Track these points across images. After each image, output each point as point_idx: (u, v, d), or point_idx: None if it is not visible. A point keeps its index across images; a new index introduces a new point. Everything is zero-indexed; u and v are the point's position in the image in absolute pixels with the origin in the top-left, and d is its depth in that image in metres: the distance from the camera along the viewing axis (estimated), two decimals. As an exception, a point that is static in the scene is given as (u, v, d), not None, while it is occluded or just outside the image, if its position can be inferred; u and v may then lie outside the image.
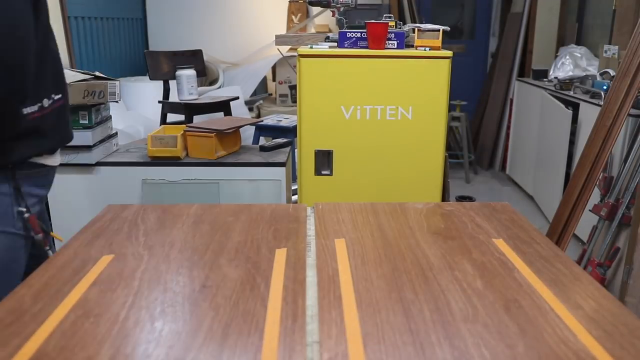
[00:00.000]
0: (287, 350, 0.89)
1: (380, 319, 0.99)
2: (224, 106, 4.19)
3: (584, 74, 4.22)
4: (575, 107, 3.85)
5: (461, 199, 4.32)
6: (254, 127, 3.71)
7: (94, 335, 0.92)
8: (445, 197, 2.68)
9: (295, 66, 2.69)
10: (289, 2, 6.05)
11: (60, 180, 2.44)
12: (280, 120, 3.72)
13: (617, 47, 3.91)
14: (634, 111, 2.89)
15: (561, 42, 5.33)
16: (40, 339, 0.90)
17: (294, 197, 3.13)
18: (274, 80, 5.90)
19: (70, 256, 1.24)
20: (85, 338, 0.91)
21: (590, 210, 2.93)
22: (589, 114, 3.56)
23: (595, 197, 2.90)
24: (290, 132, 3.48)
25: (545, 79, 4.73)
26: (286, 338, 0.92)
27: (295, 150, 2.70)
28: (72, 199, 2.50)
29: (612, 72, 3.79)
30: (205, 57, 4.67)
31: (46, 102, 1.45)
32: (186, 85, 4.01)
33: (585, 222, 2.99)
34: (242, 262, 1.21)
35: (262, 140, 3.76)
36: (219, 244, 1.32)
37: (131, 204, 1.64)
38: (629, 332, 0.96)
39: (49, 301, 1.03)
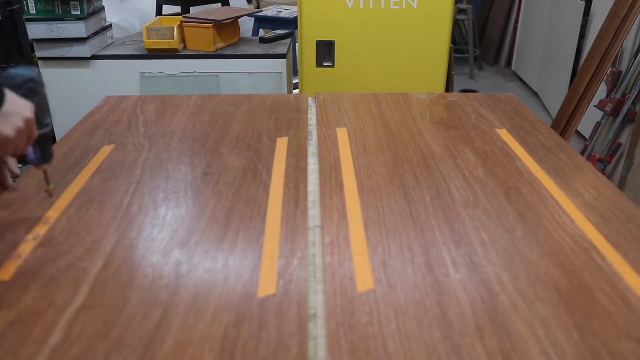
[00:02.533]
0: (290, 233, 0.90)
1: (382, 204, 1.00)
2: (221, -3, 4.01)
3: (601, -38, 3.98)
4: (588, -2, 3.68)
5: (465, 92, 4.26)
6: (253, 19, 3.57)
7: (99, 221, 0.94)
8: (449, 89, 2.63)
9: (295, -49, 2.54)
10: None
11: (56, 75, 2.39)
12: (281, 12, 3.58)
13: None
14: (650, 1, 2.76)
15: None
16: (47, 225, 0.92)
17: (295, 91, 3.09)
18: (273, -31, 5.60)
19: (70, 147, 1.23)
20: (91, 223, 0.93)
21: (595, 106, 2.89)
22: (603, 5, 3.41)
23: (601, 92, 2.84)
24: (290, 24, 3.35)
25: (559, -32, 4.48)
26: (288, 222, 0.94)
27: (296, 42, 2.61)
28: (69, 93, 2.46)
29: (630, -40, 3.58)
30: (200, -56, 4.41)
31: None
32: (181, -26, 3.81)
33: (589, 119, 2.96)
34: (244, 150, 1.21)
35: (262, 33, 3.64)
36: (219, 133, 1.31)
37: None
38: (626, 218, 0.97)
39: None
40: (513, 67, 5.29)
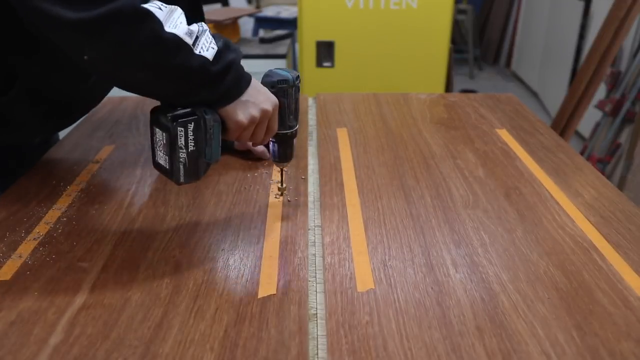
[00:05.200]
0: (290, 234, 0.90)
1: (382, 204, 1.00)
2: (221, -3, 4.01)
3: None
4: (587, -2, 3.68)
5: (465, 92, 4.26)
6: (253, 19, 3.57)
7: (100, 221, 0.94)
8: (449, 89, 2.63)
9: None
10: None
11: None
12: (280, 12, 3.58)
13: None
14: (649, 1, 2.76)
15: None
16: (47, 225, 0.92)
17: (295, 92, 3.08)
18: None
19: (71, 147, 1.23)
20: (91, 223, 0.93)
21: (594, 106, 2.90)
22: (602, 5, 3.41)
23: (600, 92, 2.85)
24: (290, 24, 3.36)
25: (558, -32, 4.48)
26: (288, 222, 0.94)
27: (296, 42, 2.61)
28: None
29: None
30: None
31: None
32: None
33: (588, 119, 2.96)
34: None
35: (262, 33, 3.64)
36: (219, 133, 1.31)
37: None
38: (625, 218, 0.97)
39: (53, 189, 1.03)
40: (512, 67, 5.30)
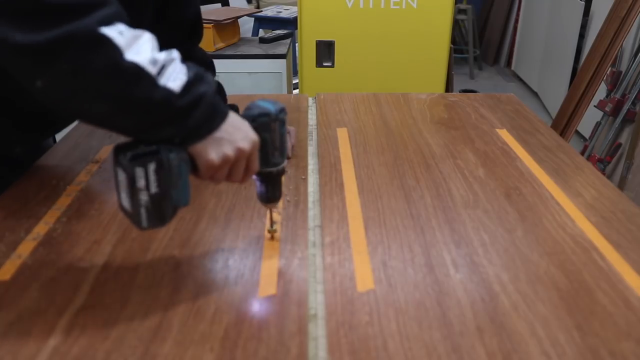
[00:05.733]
0: (290, 234, 0.90)
1: (382, 204, 1.00)
2: (221, -3, 4.01)
3: (600, -38, 3.98)
4: (588, -2, 3.68)
5: (465, 92, 4.25)
6: (253, 18, 3.57)
7: (99, 221, 0.94)
8: (449, 89, 2.63)
9: (295, -49, 2.54)
10: None
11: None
12: (280, 12, 3.58)
13: None
14: (649, 1, 2.76)
15: None
16: (47, 225, 0.92)
17: (295, 91, 3.08)
18: (273, -31, 5.60)
19: (70, 147, 1.23)
20: (91, 223, 0.93)
21: (595, 106, 2.89)
22: (602, 5, 3.41)
23: (601, 92, 2.84)
24: (290, 24, 3.35)
25: (558, -32, 4.48)
26: (288, 222, 0.94)
27: (296, 42, 2.61)
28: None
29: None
30: (199, -57, 4.40)
31: None
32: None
33: (588, 119, 2.96)
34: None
35: (262, 33, 3.64)
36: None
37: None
38: (626, 218, 0.97)
39: (52, 189, 1.03)
40: (513, 67, 5.30)
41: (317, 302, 0.76)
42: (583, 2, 3.69)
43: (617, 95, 2.81)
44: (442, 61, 2.38)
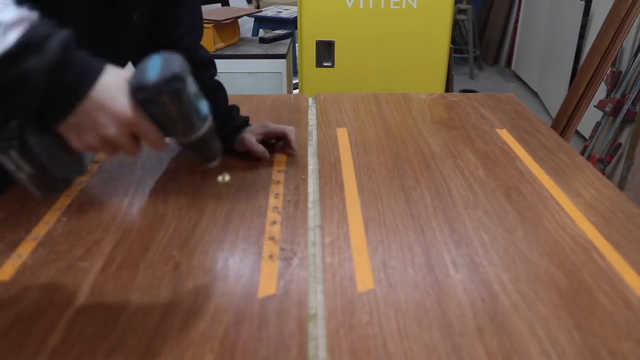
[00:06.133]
0: (290, 234, 0.90)
1: (382, 204, 1.00)
2: (221, -3, 4.01)
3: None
4: (588, -2, 3.68)
5: (465, 92, 4.25)
6: (253, 19, 3.57)
7: (99, 221, 0.94)
8: (449, 89, 2.63)
9: (295, -49, 2.54)
10: None
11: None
12: (280, 12, 3.58)
13: None
14: (649, 1, 2.76)
15: None
16: (47, 225, 0.92)
17: (295, 91, 3.09)
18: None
19: (70, 145, 1.23)
20: (91, 223, 0.93)
21: (595, 106, 2.89)
22: (602, 5, 3.41)
23: (601, 92, 2.84)
24: (290, 24, 3.36)
25: (558, -32, 4.48)
26: (288, 222, 0.94)
27: (296, 42, 2.61)
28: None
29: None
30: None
31: None
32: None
33: (588, 119, 2.96)
34: (243, 151, 1.20)
35: (262, 33, 3.64)
36: (219, 133, 1.31)
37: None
38: (626, 218, 0.97)
39: (52, 188, 1.03)
40: (513, 67, 5.30)
41: (317, 302, 0.76)
42: (583, 2, 3.69)
43: (617, 95, 2.81)
44: (442, 61, 2.39)
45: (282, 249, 0.86)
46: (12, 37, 0.53)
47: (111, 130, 0.62)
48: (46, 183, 0.64)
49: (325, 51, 2.39)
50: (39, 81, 0.56)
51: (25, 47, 0.54)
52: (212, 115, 0.69)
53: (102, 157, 1.17)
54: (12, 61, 0.53)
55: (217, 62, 2.49)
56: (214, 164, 0.74)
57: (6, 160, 0.61)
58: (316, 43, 2.38)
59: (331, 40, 2.38)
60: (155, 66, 0.61)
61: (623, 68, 2.90)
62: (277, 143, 1.19)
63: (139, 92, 0.61)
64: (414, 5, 2.31)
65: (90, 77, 0.60)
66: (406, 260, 0.84)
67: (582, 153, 3.01)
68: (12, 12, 0.53)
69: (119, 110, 0.61)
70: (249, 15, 3.12)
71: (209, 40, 2.43)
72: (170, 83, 0.60)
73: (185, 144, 0.68)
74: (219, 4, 4.04)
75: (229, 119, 1.17)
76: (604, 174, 2.79)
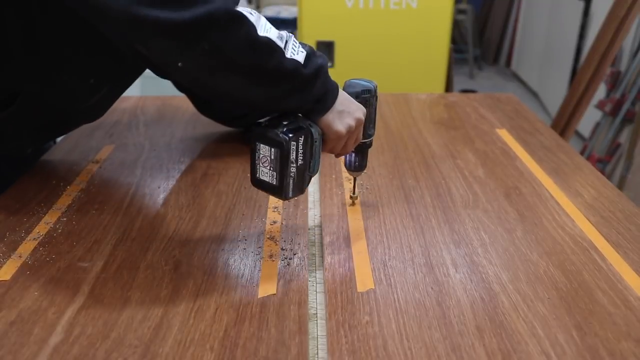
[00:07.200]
0: (290, 233, 0.90)
1: (382, 204, 1.00)
2: (221, -3, 4.01)
3: (600, -38, 3.98)
4: (587, -2, 3.68)
5: (465, 92, 4.25)
6: (252, 19, 3.57)
7: (99, 221, 0.94)
8: (449, 89, 2.63)
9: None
10: None
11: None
12: (280, 12, 3.58)
13: None
14: (649, 1, 2.76)
15: None
16: (47, 225, 0.92)
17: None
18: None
19: (71, 147, 1.23)
20: (91, 223, 0.93)
21: (594, 106, 2.90)
22: (602, 5, 3.41)
23: (600, 92, 2.85)
24: (290, 24, 3.36)
25: (558, -32, 4.48)
26: (288, 222, 0.94)
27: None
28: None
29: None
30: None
31: None
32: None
33: (588, 119, 2.96)
34: (244, 151, 1.20)
35: (262, 33, 3.63)
36: (220, 133, 1.31)
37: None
38: (625, 218, 0.97)
39: (52, 190, 1.04)
40: (512, 67, 5.30)
41: (317, 302, 0.77)
42: (583, 2, 3.69)
43: (617, 95, 2.81)
44: (442, 61, 2.39)
45: (282, 249, 0.86)
46: (305, 47, 0.77)
47: (360, 114, 0.83)
48: (302, 179, 0.79)
49: (325, 51, 2.39)
50: (325, 72, 0.78)
51: (312, 51, 0.78)
52: None
53: (102, 157, 1.17)
54: (310, 59, 0.76)
55: (217, 62, 2.46)
56: (361, 173, 0.96)
57: (291, 151, 0.75)
58: (316, 43, 2.38)
59: (331, 41, 2.38)
60: (364, 81, 0.88)
61: (622, 68, 2.90)
62: None
63: (364, 93, 0.86)
64: (414, 6, 2.31)
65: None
66: (406, 260, 0.84)
67: (582, 153, 3.01)
68: (283, 31, 0.75)
69: (357, 103, 0.84)
70: (249, 15, 3.12)
71: (209, 41, 2.44)
72: (376, 89, 0.88)
73: (364, 145, 0.91)
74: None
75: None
76: (603, 173, 2.79)
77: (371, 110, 0.88)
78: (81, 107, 1.01)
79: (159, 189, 1.05)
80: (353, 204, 0.99)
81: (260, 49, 0.70)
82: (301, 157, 0.76)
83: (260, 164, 0.77)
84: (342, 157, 0.95)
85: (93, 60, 0.91)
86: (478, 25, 5.61)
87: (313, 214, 0.99)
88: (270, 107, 0.79)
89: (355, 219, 0.95)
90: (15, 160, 1.12)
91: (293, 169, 0.76)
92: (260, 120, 0.78)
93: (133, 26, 0.66)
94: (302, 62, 0.75)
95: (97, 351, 0.65)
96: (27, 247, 0.86)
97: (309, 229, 0.93)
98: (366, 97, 0.86)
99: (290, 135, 0.74)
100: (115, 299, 0.74)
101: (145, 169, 1.13)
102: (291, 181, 0.77)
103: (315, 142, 0.79)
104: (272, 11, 3.62)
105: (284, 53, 0.73)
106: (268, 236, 0.89)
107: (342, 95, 0.82)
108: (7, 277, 0.79)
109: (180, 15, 0.64)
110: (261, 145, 0.76)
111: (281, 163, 0.75)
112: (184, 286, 0.77)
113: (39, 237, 0.88)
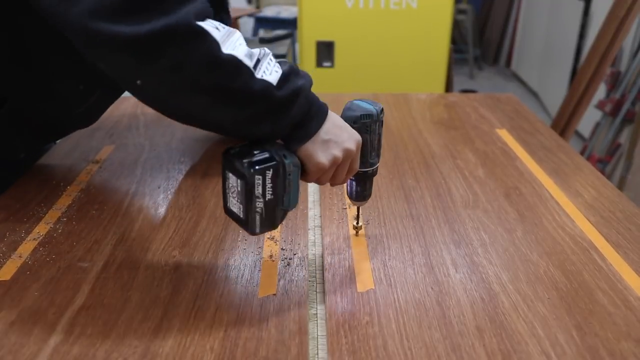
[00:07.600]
0: (290, 234, 0.90)
1: (382, 204, 1.00)
2: (221, -3, 4.01)
3: (600, -38, 3.98)
4: (587, -2, 3.68)
5: (465, 92, 4.25)
6: (253, 19, 3.57)
7: (99, 221, 0.94)
8: (449, 89, 2.63)
9: (295, -49, 2.54)
10: None
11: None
12: (280, 12, 3.58)
13: None
14: (649, 1, 2.76)
15: None
16: (47, 225, 0.92)
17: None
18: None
19: (71, 147, 1.23)
20: (91, 223, 0.93)
21: (594, 106, 2.90)
22: (602, 5, 3.41)
23: (600, 92, 2.85)
24: (290, 24, 3.36)
25: (558, -32, 4.48)
26: (288, 222, 0.94)
27: (296, 42, 2.62)
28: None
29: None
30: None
31: None
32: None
33: (588, 119, 2.96)
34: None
35: (262, 33, 3.64)
36: (220, 135, 1.31)
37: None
38: (625, 218, 0.97)
39: (53, 190, 1.04)
40: (512, 67, 5.30)
41: (317, 302, 0.77)
42: (583, 2, 3.69)
43: (617, 95, 2.81)
44: (442, 61, 2.39)
45: (282, 249, 0.86)
46: (283, 66, 0.69)
47: (350, 144, 0.73)
48: (273, 214, 0.70)
49: (325, 51, 2.39)
50: (306, 94, 0.70)
51: (292, 71, 0.70)
52: None
53: (102, 157, 1.17)
54: (286, 80, 0.68)
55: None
56: (364, 203, 0.86)
57: (256, 185, 0.66)
58: (316, 43, 2.39)
59: (331, 41, 2.38)
60: (367, 103, 0.77)
61: (622, 68, 2.90)
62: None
63: (364, 118, 0.76)
64: (414, 6, 2.31)
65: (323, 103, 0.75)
66: (406, 260, 0.84)
67: (582, 153, 3.01)
68: (255, 49, 0.69)
69: (351, 130, 0.75)
70: (249, 15, 3.12)
71: (209, 41, 2.44)
72: (382, 113, 0.78)
73: (365, 175, 0.82)
74: (219, 4, 4.04)
75: None
76: (603, 173, 2.80)
77: (373, 137, 0.78)
78: (73, 113, 0.99)
79: (159, 189, 1.05)
80: (357, 234, 0.91)
81: (224, 67, 0.64)
82: (270, 192, 0.68)
83: (230, 194, 0.70)
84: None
85: (80, 66, 0.85)
86: (478, 25, 5.61)
87: (313, 214, 0.99)
88: (240, 132, 0.70)
89: (355, 219, 0.95)
90: (12, 165, 1.11)
91: (260, 204, 0.67)
92: (231, 147, 0.70)
93: (89, 41, 0.61)
94: (275, 84, 0.67)
95: (97, 351, 0.65)
96: (27, 247, 0.86)
97: (309, 229, 0.93)
98: (366, 122, 0.76)
99: (256, 167, 0.66)
100: (115, 299, 0.74)
101: (145, 169, 1.13)
102: (257, 217, 0.68)
103: (289, 175, 0.69)
104: (272, 11, 3.62)
105: (252, 73, 0.66)
106: (268, 236, 0.89)
107: (332, 121, 0.73)
108: (7, 277, 0.79)
109: (136, 29, 0.59)
110: (229, 174, 0.69)
111: (246, 196, 0.67)
112: (184, 286, 0.77)
113: (39, 237, 0.88)
